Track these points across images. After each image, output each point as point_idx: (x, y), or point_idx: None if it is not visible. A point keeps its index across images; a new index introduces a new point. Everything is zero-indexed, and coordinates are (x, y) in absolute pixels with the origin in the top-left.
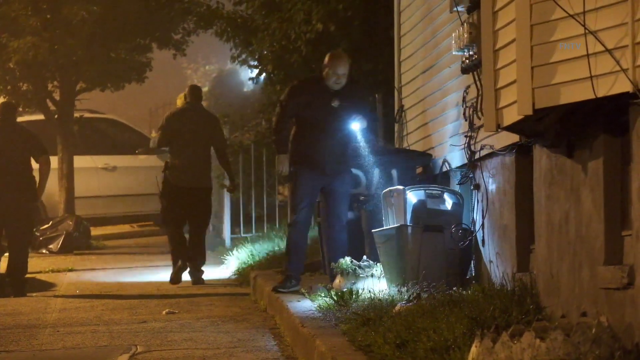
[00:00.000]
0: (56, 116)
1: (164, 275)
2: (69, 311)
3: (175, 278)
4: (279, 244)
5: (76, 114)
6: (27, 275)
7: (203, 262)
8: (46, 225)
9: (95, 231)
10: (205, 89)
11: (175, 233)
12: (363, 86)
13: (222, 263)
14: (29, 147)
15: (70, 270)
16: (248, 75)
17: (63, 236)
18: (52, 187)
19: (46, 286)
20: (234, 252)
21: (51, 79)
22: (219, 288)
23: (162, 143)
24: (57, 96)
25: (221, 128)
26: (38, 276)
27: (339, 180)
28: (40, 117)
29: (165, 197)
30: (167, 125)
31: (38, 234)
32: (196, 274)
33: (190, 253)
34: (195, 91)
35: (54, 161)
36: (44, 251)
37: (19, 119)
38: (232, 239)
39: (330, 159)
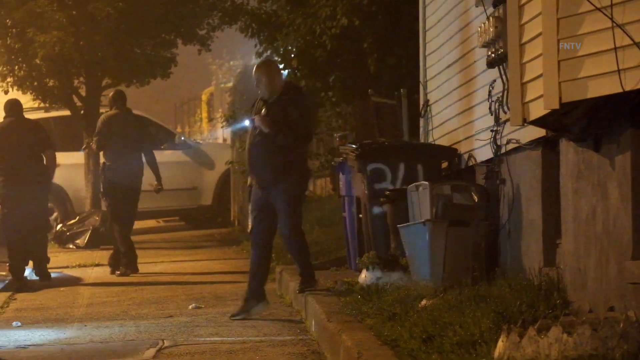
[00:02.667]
0: (82, 112)
1: (190, 270)
2: (96, 306)
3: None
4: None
5: (102, 110)
6: (55, 270)
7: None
8: (73, 221)
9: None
10: (229, 85)
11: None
12: (299, 93)
13: (247, 258)
14: (37, 141)
15: (97, 265)
16: None
17: (90, 231)
18: (79, 182)
19: (73, 281)
20: None
21: (77, 75)
22: (245, 283)
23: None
24: (83, 92)
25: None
26: (65, 271)
27: (274, 193)
28: (67, 112)
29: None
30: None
31: (65, 229)
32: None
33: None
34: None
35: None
36: (70, 246)
37: (47, 115)
38: None
39: (258, 172)
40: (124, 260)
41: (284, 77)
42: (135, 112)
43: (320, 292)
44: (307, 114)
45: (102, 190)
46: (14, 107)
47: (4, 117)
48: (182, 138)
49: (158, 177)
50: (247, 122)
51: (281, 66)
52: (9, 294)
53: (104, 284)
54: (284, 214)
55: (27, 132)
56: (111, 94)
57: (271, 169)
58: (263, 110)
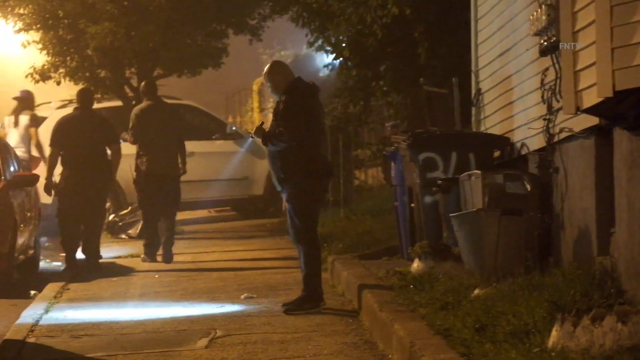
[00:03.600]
0: (134, 102)
1: (241, 260)
2: (149, 295)
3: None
4: (356, 228)
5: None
6: (107, 260)
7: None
8: (125, 211)
9: None
10: None
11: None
12: (292, 91)
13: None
14: (103, 134)
15: None
16: (324, 60)
17: (141, 222)
18: (131, 173)
19: (126, 271)
20: None
21: (128, 66)
22: (296, 273)
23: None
24: (134, 83)
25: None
26: (118, 261)
27: (285, 196)
28: (119, 103)
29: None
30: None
31: (117, 220)
32: None
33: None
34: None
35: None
36: (123, 236)
37: (100, 105)
38: None
39: (274, 174)
40: (145, 249)
41: (287, 74)
42: (186, 102)
43: (372, 282)
44: (288, 112)
45: (134, 179)
46: (85, 98)
47: (75, 107)
48: (234, 128)
49: (183, 162)
50: None
51: (332, 56)
52: (62, 283)
53: (156, 274)
54: (291, 219)
55: (94, 126)
56: (141, 85)
57: (276, 173)
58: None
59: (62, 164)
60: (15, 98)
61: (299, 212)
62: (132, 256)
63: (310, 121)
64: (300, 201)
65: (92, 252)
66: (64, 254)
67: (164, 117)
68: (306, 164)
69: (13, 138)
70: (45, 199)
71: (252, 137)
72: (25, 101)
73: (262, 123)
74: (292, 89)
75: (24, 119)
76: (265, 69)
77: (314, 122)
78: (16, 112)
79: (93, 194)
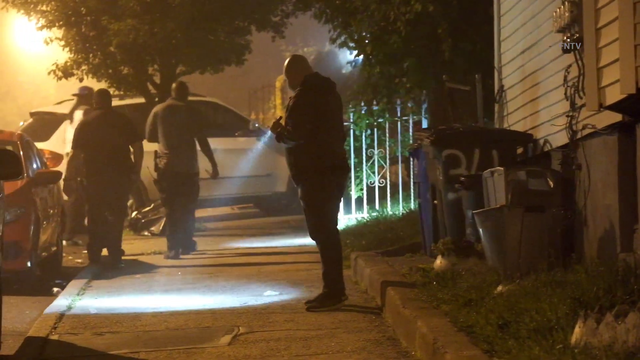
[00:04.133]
0: (157, 99)
1: (264, 257)
2: (171, 292)
3: None
4: (379, 225)
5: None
6: (130, 257)
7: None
8: (148, 208)
9: (196, 213)
10: None
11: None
12: (303, 86)
13: None
14: (124, 133)
15: None
16: (346, 57)
17: (164, 219)
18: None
19: (148, 268)
20: None
21: (151, 63)
22: (319, 270)
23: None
24: (157, 79)
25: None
26: (140, 258)
27: (299, 192)
28: (141, 100)
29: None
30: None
31: (140, 217)
32: None
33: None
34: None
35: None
36: (145, 233)
37: (122, 102)
38: None
39: (290, 168)
40: (169, 245)
41: (301, 69)
42: (209, 98)
43: (395, 279)
44: (294, 109)
45: (155, 178)
46: (104, 98)
47: (94, 108)
48: (256, 125)
49: (213, 164)
50: None
51: (355, 52)
52: (85, 280)
53: (179, 271)
54: (306, 215)
55: (115, 125)
56: (174, 84)
57: (290, 169)
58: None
59: (85, 163)
60: (75, 95)
61: (312, 209)
62: (154, 253)
63: (322, 117)
64: (313, 198)
65: (114, 249)
66: (86, 251)
67: (183, 117)
68: (318, 160)
69: (69, 134)
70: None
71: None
72: (84, 98)
73: (280, 118)
74: (304, 84)
75: (79, 114)
76: (287, 63)
77: (326, 118)
78: (74, 109)
79: (114, 193)
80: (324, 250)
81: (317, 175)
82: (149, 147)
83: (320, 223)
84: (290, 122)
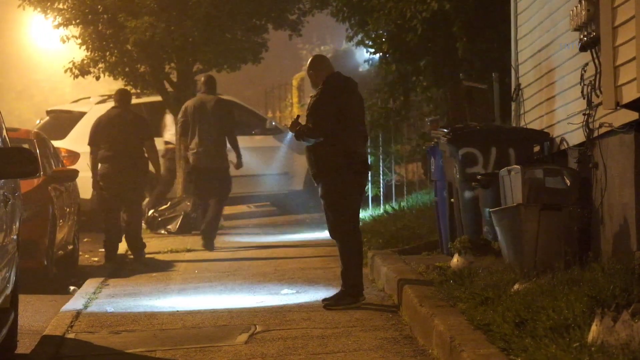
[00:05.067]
0: (173, 97)
1: (281, 255)
2: (188, 291)
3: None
4: (396, 224)
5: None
6: (147, 255)
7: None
8: (164, 206)
9: None
10: None
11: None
12: (326, 84)
13: None
14: (137, 131)
15: (189, 250)
16: (363, 55)
17: (181, 217)
18: (171, 168)
19: (165, 266)
20: None
21: (168, 61)
22: (337, 269)
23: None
24: (174, 77)
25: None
26: (157, 256)
27: (319, 190)
28: (158, 98)
29: None
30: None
31: (156, 215)
32: None
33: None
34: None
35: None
36: (162, 232)
37: (138, 101)
38: None
39: (310, 167)
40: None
41: (323, 68)
42: (225, 97)
43: (412, 277)
44: (315, 107)
45: (186, 171)
46: (124, 97)
47: (112, 107)
48: (273, 123)
49: (238, 155)
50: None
51: (372, 50)
52: (101, 279)
53: (196, 270)
54: (325, 214)
55: (129, 123)
56: (203, 77)
57: (310, 168)
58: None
59: (100, 160)
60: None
61: (332, 207)
62: (171, 251)
63: (343, 117)
64: (333, 196)
65: (135, 246)
66: (103, 249)
67: (212, 111)
68: (339, 159)
69: None
70: (85, 194)
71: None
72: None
73: (298, 117)
74: (326, 83)
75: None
76: (311, 60)
77: (347, 118)
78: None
79: (129, 190)
80: (343, 249)
81: (338, 174)
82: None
83: (340, 222)
84: (311, 119)
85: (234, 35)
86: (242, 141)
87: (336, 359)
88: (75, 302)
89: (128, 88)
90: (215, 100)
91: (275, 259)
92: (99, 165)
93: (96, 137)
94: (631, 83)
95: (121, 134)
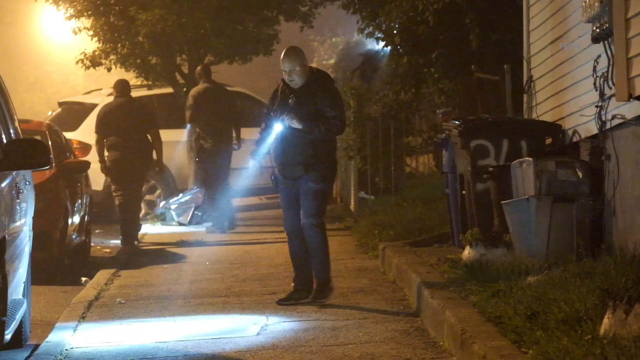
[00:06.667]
0: (185, 89)
1: None
2: (200, 282)
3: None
4: (407, 216)
5: None
6: (158, 247)
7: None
8: (176, 198)
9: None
10: (332, 62)
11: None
12: (328, 79)
13: (351, 235)
14: (142, 121)
15: (199, 242)
16: (375, 47)
17: (192, 209)
18: (182, 159)
19: (177, 258)
20: (361, 222)
21: (179, 52)
22: (348, 260)
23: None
24: (185, 69)
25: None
26: (168, 248)
27: (303, 181)
28: (169, 90)
29: None
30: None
31: (168, 207)
32: None
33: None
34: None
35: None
36: (173, 223)
37: (150, 92)
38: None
39: (290, 168)
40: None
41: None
42: (237, 89)
43: (423, 270)
44: (338, 102)
45: (196, 158)
46: (124, 87)
47: (114, 97)
48: None
49: (238, 137)
50: (273, 115)
51: (383, 42)
52: (113, 270)
53: (207, 261)
54: (310, 206)
55: (134, 113)
56: (198, 68)
57: (302, 163)
58: (290, 99)
59: (107, 148)
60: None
61: (323, 196)
62: (182, 243)
63: None
64: (328, 183)
65: (126, 232)
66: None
67: (219, 99)
68: (331, 155)
69: None
70: (97, 186)
71: (282, 120)
72: None
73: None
74: (324, 76)
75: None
76: (298, 52)
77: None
78: None
79: (130, 176)
80: (322, 242)
81: (328, 169)
82: (173, 136)
83: (323, 211)
84: (337, 114)
85: (245, 27)
86: (253, 133)
87: (347, 351)
88: (87, 293)
89: (139, 80)
90: (220, 88)
91: (286, 251)
92: (107, 152)
93: (102, 125)
94: None
95: (128, 122)
